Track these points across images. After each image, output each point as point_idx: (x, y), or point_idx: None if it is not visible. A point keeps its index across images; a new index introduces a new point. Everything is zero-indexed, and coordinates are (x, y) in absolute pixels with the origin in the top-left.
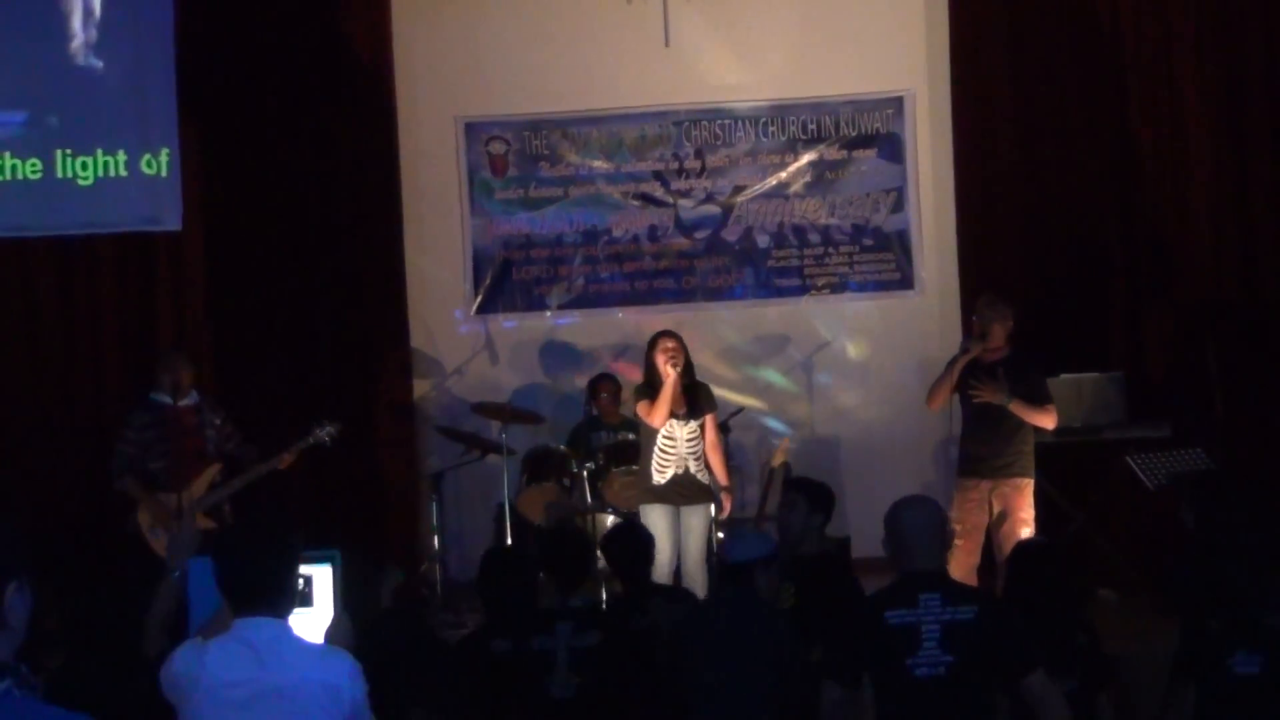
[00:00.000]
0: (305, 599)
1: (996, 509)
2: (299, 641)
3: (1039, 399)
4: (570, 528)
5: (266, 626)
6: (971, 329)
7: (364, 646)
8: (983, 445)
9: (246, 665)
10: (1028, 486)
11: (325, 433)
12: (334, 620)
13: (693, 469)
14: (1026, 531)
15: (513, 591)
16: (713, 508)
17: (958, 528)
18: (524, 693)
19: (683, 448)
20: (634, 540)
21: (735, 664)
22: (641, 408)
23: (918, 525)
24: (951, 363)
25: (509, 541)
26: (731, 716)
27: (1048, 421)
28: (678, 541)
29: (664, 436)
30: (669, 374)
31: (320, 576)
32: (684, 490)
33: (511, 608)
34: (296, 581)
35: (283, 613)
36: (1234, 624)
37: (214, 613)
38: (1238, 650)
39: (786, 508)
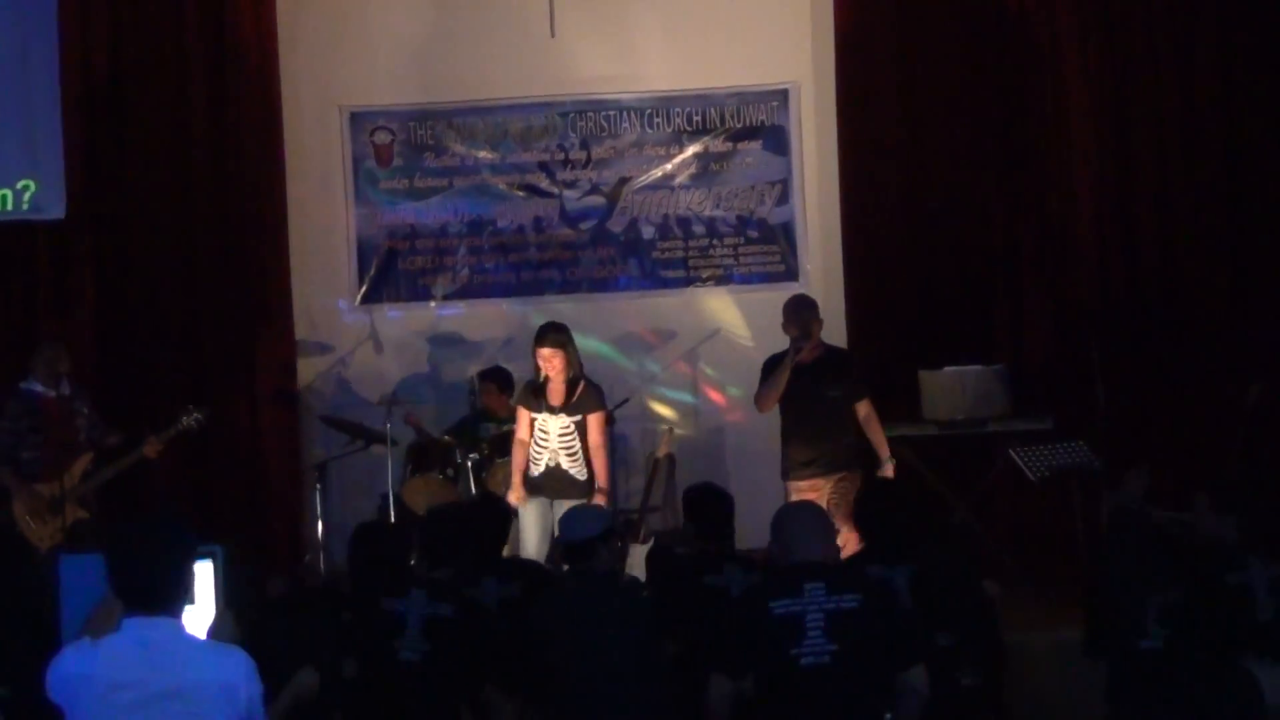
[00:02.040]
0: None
1: (830, 504)
2: (193, 640)
3: (862, 394)
4: (451, 507)
5: (159, 626)
6: (788, 330)
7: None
8: (811, 448)
9: (139, 666)
10: (858, 480)
11: (193, 419)
12: (217, 616)
13: (564, 463)
14: None
15: (378, 557)
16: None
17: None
18: (373, 653)
19: (554, 441)
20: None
21: (595, 639)
22: (519, 409)
23: (798, 519)
24: (776, 363)
25: None
26: (602, 691)
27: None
28: (549, 532)
29: (538, 429)
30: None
31: (202, 572)
32: (556, 483)
33: (373, 571)
34: (191, 579)
35: (176, 611)
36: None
37: (95, 611)
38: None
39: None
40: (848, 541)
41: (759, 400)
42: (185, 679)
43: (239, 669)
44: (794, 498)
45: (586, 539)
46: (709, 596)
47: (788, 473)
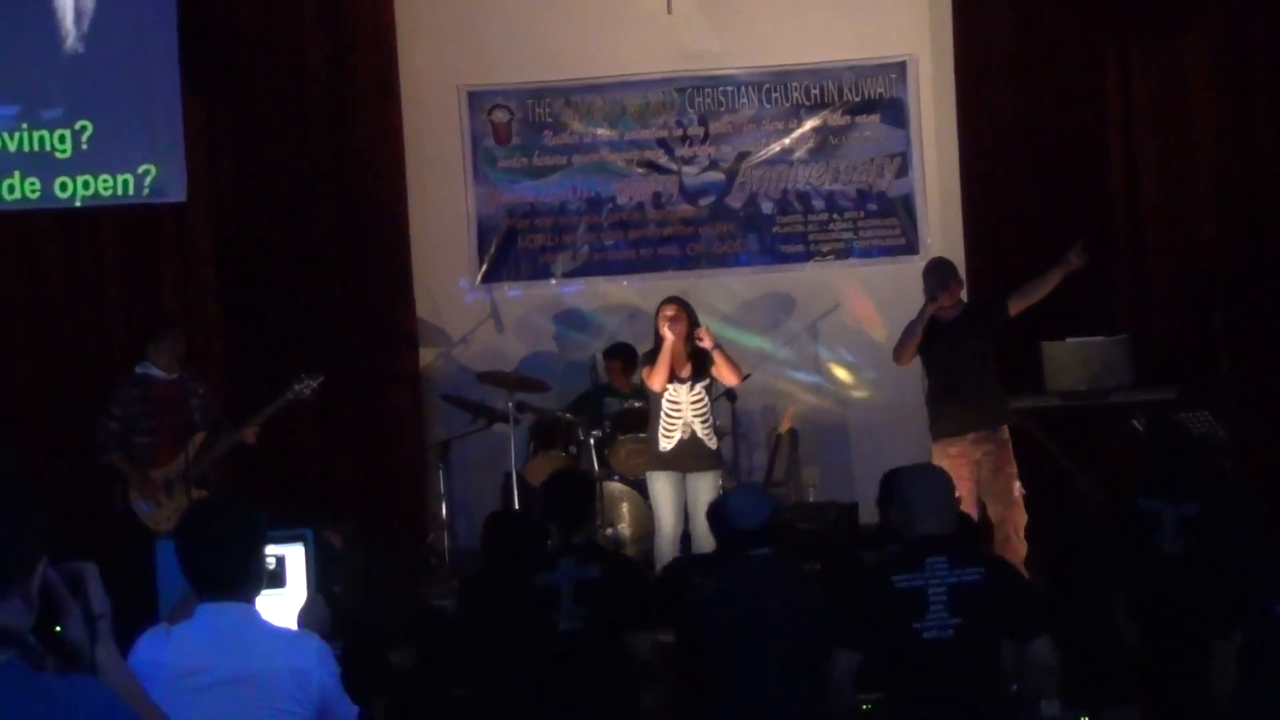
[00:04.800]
0: (277, 580)
1: (985, 470)
2: (265, 625)
3: (1003, 303)
4: (573, 471)
5: (231, 611)
6: (926, 289)
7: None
8: (954, 407)
9: (210, 652)
10: (1008, 437)
11: (304, 386)
12: (307, 601)
13: (699, 433)
14: (1018, 485)
15: (518, 541)
16: (719, 474)
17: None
18: (532, 628)
19: (687, 412)
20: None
21: (762, 622)
22: (645, 373)
23: (922, 491)
24: (917, 318)
25: (516, 509)
26: (771, 683)
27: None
28: (683, 509)
29: (668, 400)
30: (667, 337)
31: (293, 556)
32: (690, 457)
33: (516, 554)
34: (262, 564)
35: (248, 596)
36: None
37: (181, 597)
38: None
39: None
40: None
41: (895, 352)
42: (256, 665)
43: (311, 654)
44: (938, 461)
45: (760, 526)
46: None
47: (935, 434)
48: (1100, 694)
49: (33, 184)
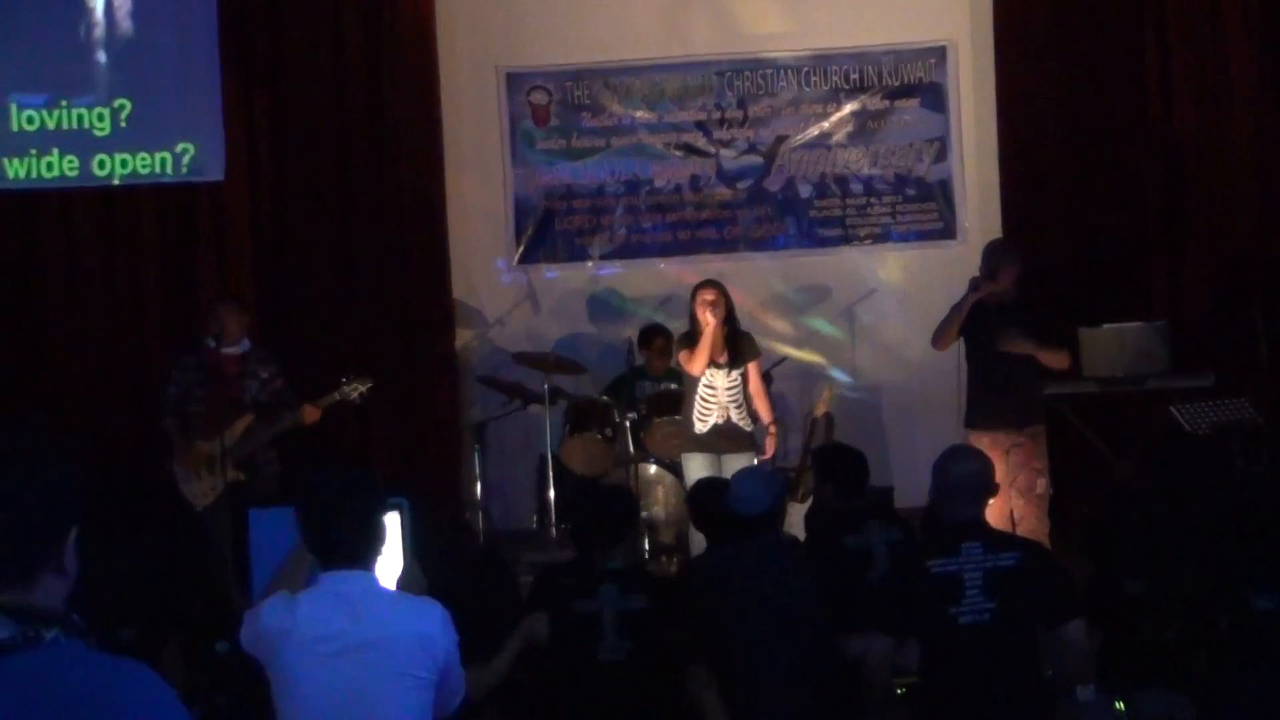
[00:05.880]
0: None
1: (1013, 461)
2: (388, 593)
3: (1052, 339)
4: (613, 485)
5: (356, 579)
6: (981, 269)
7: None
8: (988, 397)
9: (340, 618)
10: (1043, 435)
11: (353, 389)
12: (405, 568)
13: (734, 417)
14: (1043, 483)
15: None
16: (755, 456)
17: None
18: (571, 657)
19: (723, 396)
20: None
21: (765, 606)
22: (682, 356)
23: (964, 475)
24: (959, 304)
25: (550, 491)
26: (777, 666)
27: (1063, 361)
28: None
29: (704, 385)
30: (708, 322)
31: (390, 523)
32: (725, 438)
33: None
34: (383, 531)
35: (369, 564)
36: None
37: (287, 565)
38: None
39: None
40: (998, 508)
41: (934, 336)
42: (384, 630)
43: (435, 620)
44: None
45: (763, 514)
46: (847, 557)
47: (968, 421)
48: (1134, 678)
49: (71, 162)
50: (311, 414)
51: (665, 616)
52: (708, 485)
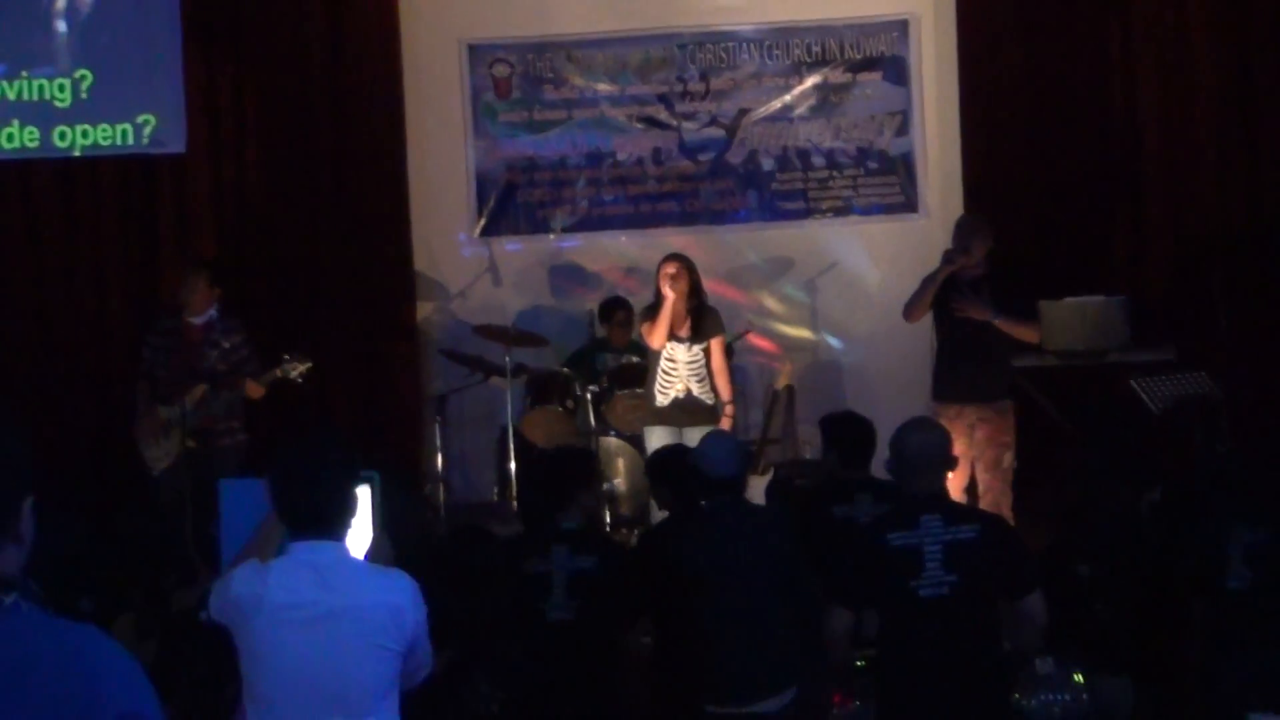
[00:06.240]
0: None
1: (979, 435)
2: (358, 564)
3: (1023, 313)
4: (571, 446)
5: (326, 549)
6: (953, 243)
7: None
8: (955, 369)
9: (310, 587)
10: (1010, 409)
11: (293, 368)
12: (374, 540)
13: (696, 391)
14: (1009, 457)
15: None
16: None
17: None
18: (521, 616)
19: (684, 370)
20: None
21: (739, 567)
22: (645, 329)
23: (922, 447)
24: (932, 276)
25: (511, 463)
26: (744, 621)
27: (1033, 335)
28: None
29: (665, 359)
30: (667, 295)
31: (360, 496)
32: (686, 412)
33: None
34: (355, 503)
35: (340, 535)
36: None
37: (258, 534)
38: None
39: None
40: (956, 480)
41: (906, 308)
42: (354, 600)
43: (405, 592)
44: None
45: (732, 476)
46: (834, 527)
47: (935, 394)
48: (1090, 661)
49: (31, 133)
50: (254, 389)
51: (613, 576)
52: (671, 450)
